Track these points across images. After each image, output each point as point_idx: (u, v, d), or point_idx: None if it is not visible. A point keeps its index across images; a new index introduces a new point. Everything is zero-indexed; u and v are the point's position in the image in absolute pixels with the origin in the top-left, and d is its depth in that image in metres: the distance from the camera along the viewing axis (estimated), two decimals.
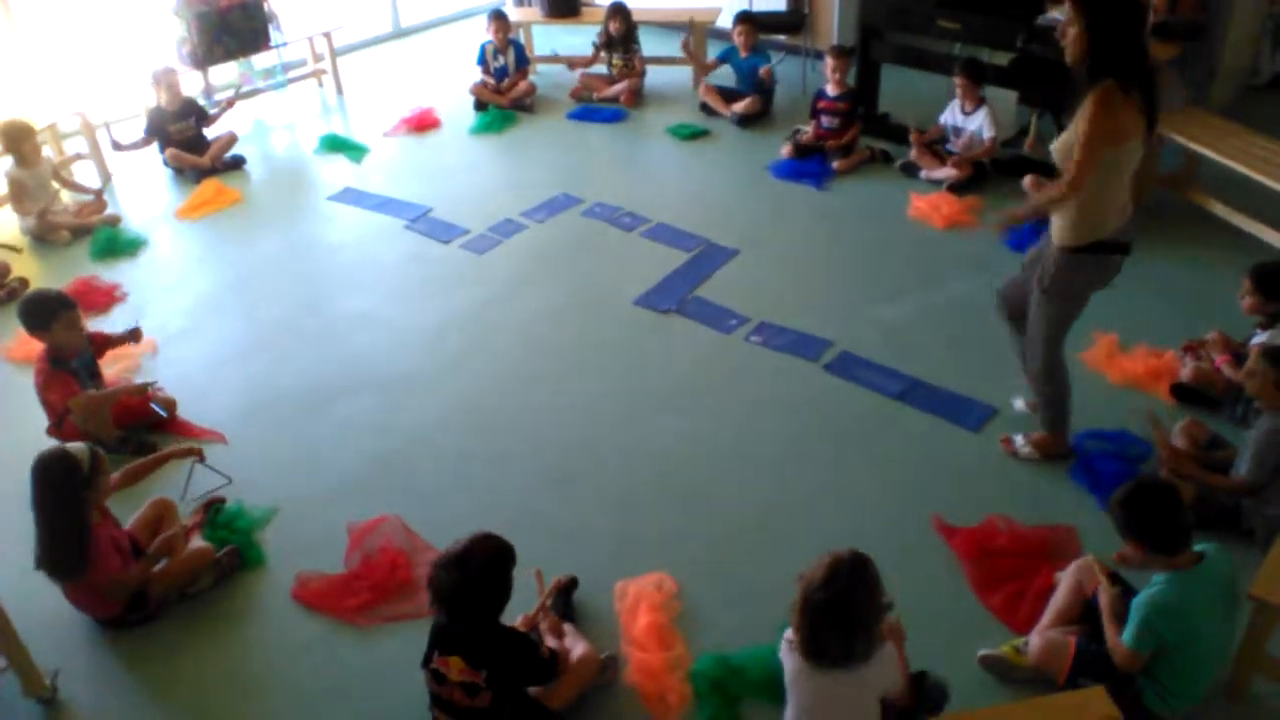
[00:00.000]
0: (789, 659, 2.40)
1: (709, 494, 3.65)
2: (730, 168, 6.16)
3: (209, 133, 6.44)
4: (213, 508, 3.57)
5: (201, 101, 6.61)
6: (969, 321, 4.41)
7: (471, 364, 4.45)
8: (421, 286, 5.08)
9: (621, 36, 7.06)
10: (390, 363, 4.48)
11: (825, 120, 6.12)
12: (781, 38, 7.69)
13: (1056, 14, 5.27)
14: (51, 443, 3.27)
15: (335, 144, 6.68)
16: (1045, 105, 5.50)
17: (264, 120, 7.25)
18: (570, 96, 7.23)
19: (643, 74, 7.22)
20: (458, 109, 7.14)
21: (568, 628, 2.95)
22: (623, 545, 3.42)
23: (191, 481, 3.67)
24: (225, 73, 7.12)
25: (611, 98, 7.13)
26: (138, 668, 3.08)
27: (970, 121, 5.64)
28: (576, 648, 2.84)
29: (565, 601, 3.12)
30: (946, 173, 5.62)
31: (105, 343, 4.18)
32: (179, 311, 4.93)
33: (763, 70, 6.56)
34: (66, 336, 3.86)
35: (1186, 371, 3.94)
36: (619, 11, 7.00)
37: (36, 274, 5.30)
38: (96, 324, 4.71)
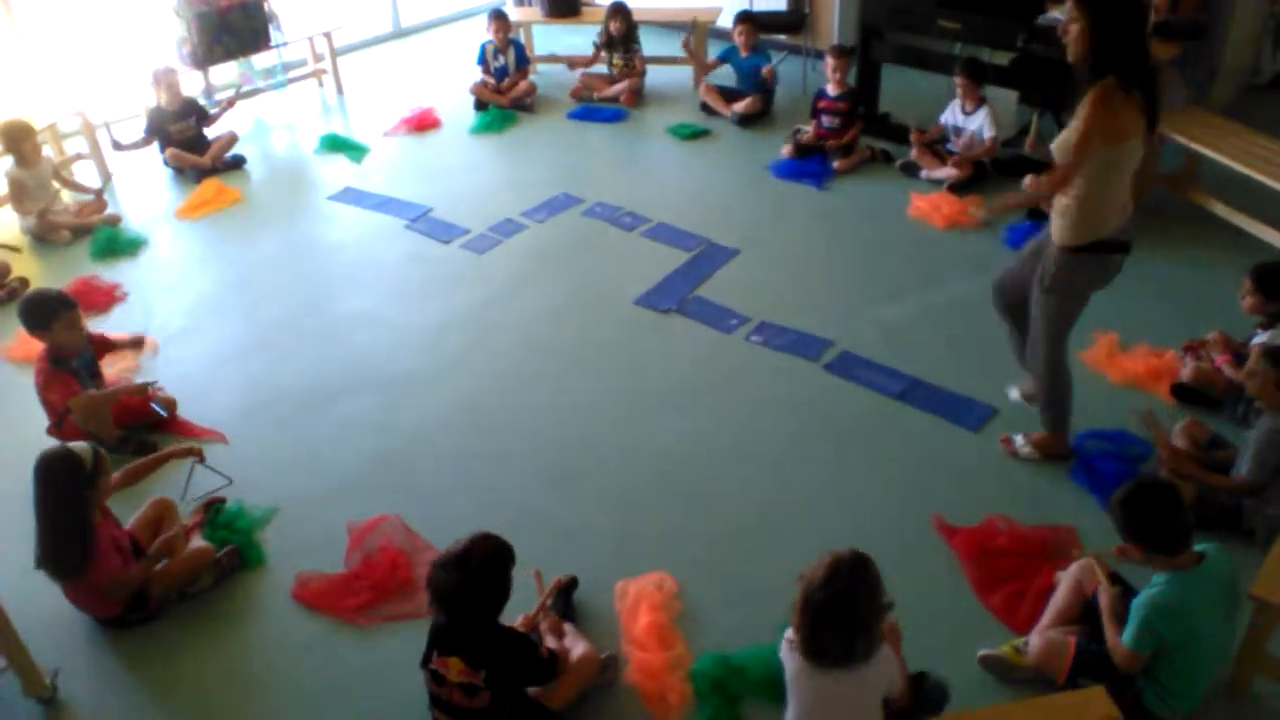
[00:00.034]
0: (790, 659, 2.40)
1: (709, 494, 3.65)
2: (731, 167, 6.16)
3: (209, 132, 6.44)
4: (213, 508, 3.57)
5: (202, 101, 6.61)
6: (969, 321, 4.40)
7: (472, 364, 4.45)
8: (422, 286, 5.08)
9: (622, 36, 7.06)
10: (390, 362, 4.48)
11: (826, 120, 6.12)
12: (782, 37, 7.69)
13: (1057, 14, 5.27)
14: (52, 443, 3.26)
15: (335, 144, 6.68)
16: (1046, 105, 5.50)
17: (264, 120, 7.25)
18: (570, 96, 7.23)
19: (643, 74, 7.22)
20: (458, 109, 7.14)
21: (568, 627, 2.95)
22: (623, 545, 3.42)
23: (192, 481, 3.67)
24: (225, 73, 7.12)
25: (612, 97, 7.13)
26: (138, 668, 3.08)
27: (971, 121, 5.64)
28: (577, 647, 2.84)
29: (565, 601, 3.12)
30: (947, 172, 5.62)
31: (107, 346, 4.18)
32: (179, 311, 4.93)
33: (765, 70, 6.56)
34: (67, 336, 3.86)
35: (1187, 371, 3.94)
36: (619, 11, 7.00)
37: (37, 274, 5.30)
38: (97, 324, 4.71)
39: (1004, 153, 5.77)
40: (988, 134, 5.56)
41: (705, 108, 6.83)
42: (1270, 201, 4.79)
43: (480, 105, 7.08)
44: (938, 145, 5.82)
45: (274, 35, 7.01)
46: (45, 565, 3.02)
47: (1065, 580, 2.92)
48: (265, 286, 5.15)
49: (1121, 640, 2.62)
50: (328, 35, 7.43)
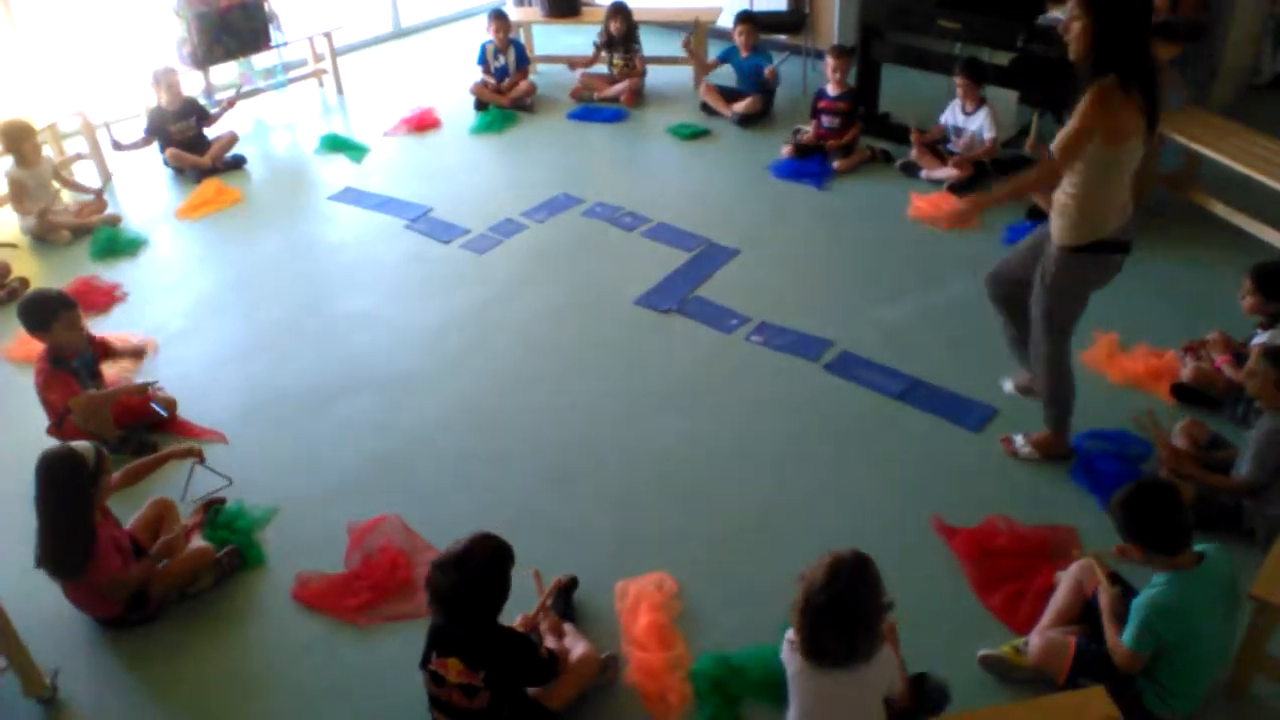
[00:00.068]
0: (791, 660, 2.39)
1: (709, 494, 3.65)
2: (731, 167, 6.16)
3: (209, 133, 6.44)
4: (212, 508, 3.57)
5: (202, 101, 6.61)
6: (969, 321, 4.40)
7: (472, 364, 4.45)
8: (422, 286, 5.08)
9: (622, 36, 7.06)
10: (390, 362, 4.48)
11: (826, 120, 6.12)
12: (782, 37, 7.68)
13: (1057, 14, 5.27)
14: (52, 443, 3.26)
15: (335, 144, 6.68)
16: (1046, 105, 5.50)
17: (264, 120, 7.25)
18: (571, 96, 7.23)
19: (643, 74, 7.22)
20: (458, 109, 7.14)
21: (568, 627, 2.95)
22: (623, 545, 3.42)
23: (191, 482, 3.67)
24: (225, 73, 7.12)
25: (612, 97, 7.13)
26: (138, 668, 3.08)
27: (971, 122, 5.64)
28: (577, 648, 2.84)
29: (565, 601, 3.12)
30: (947, 172, 5.62)
31: (108, 352, 4.16)
32: (179, 311, 4.94)
33: (768, 71, 6.56)
34: (67, 336, 3.86)
35: (1187, 371, 3.94)
36: (620, 11, 7.00)
37: (37, 274, 5.30)
38: (97, 324, 4.71)
39: (1004, 153, 5.77)
40: (988, 135, 5.56)
41: (705, 108, 6.83)
42: (1270, 202, 4.79)
43: (480, 105, 7.08)
44: (938, 145, 5.82)
45: (274, 35, 7.01)
46: (45, 565, 3.02)
47: (1065, 580, 2.92)
48: (265, 286, 5.15)
49: (1121, 640, 2.62)
50: (328, 35, 7.43)
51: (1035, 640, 2.82)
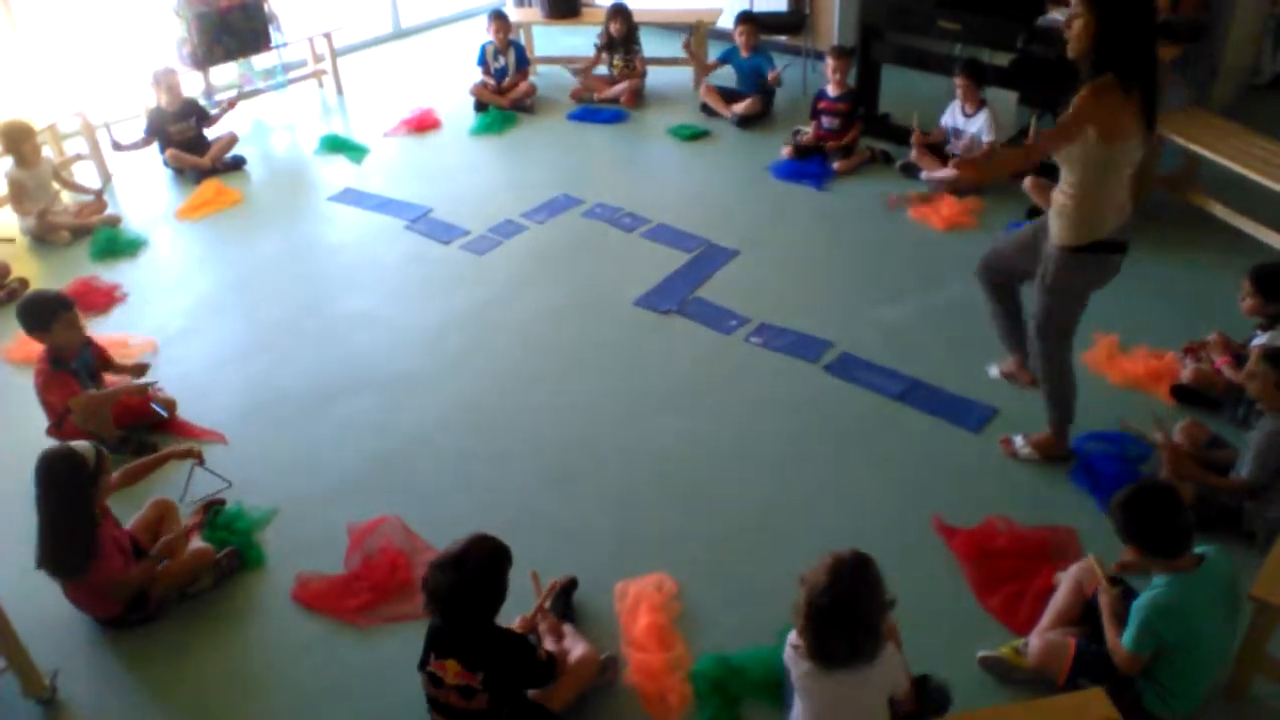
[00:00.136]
0: (795, 663, 2.39)
1: (709, 494, 3.65)
2: (731, 168, 6.16)
3: (209, 133, 6.44)
4: (212, 509, 3.57)
5: (202, 102, 6.61)
6: (969, 322, 4.40)
7: (472, 364, 4.45)
8: (422, 287, 5.08)
9: (622, 37, 7.06)
10: (390, 363, 4.48)
11: (826, 121, 6.12)
12: (782, 38, 7.69)
13: (1057, 14, 5.27)
14: (51, 443, 3.26)
15: (335, 144, 6.68)
16: (1045, 106, 5.50)
17: (264, 121, 7.26)
18: (570, 97, 7.23)
19: (643, 75, 7.22)
20: (458, 110, 7.14)
21: (567, 628, 2.95)
22: (623, 545, 3.42)
23: (191, 483, 3.67)
24: (225, 73, 7.12)
25: (612, 98, 7.13)
26: (138, 668, 3.08)
27: (971, 124, 5.64)
28: (576, 649, 2.84)
29: (565, 602, 3.11)
30: (947, 173, 5.61)
31: (108, 364, 4.14)
32: (179, 312, 4.93)
33: (771, 76, 6.56)
34: (66, 336, 3.86)
35: (1187, 373, 3.94)
36: (620, 12, 7.00)
37: (36, 274, 5.30)
38: (96, 324, 4.72)
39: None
40: (987, 137, 5.55)
41: (705, 109, 6.84)
42: (1270, 203, 4.79)
43: (480, 106, 7.08)
44: (938, 146, 5.82)
45: (274, 36, 7.01)
46: (46, 565, 3.02)
47: (1065, 581, 2.92)
48: (265, 287, 5.15)
49: (1121, 641, 2.62)
50: (328, 36, 7.43)
51: (1035, 641, 2.82)
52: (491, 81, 7.18)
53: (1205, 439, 3.55)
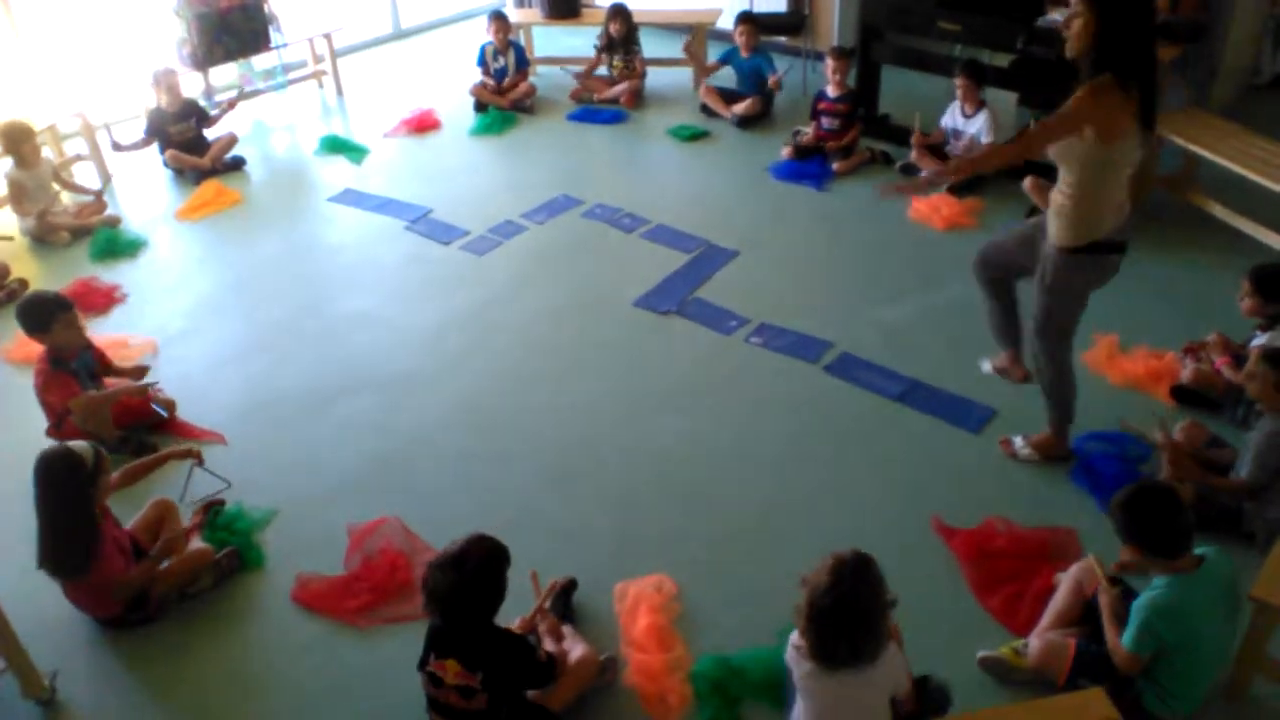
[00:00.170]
0: (798, 663, 2.39)
1: (709, 494, 3.65)
2: (730, 169, 6.16)
3: (209, 134, 6.44)
4: (212, 509, 3.57)
5: (202, 103, 6.61)
6: (969, 323, 4.39)
7: (472, 364, 4.46)
8: (422, 287, 5.08)
9: (622, 38, 7.06)
10: (390, 363, 4.48)
11: (825, 121, 6.12)
12: (782, 39, 7.69)
13: (1056, 15, 5.27)
14: (51, 444, 3.26)
15: (335, 145, 6.68)
16: (1045, 107, 5.49)
17: (264, 121, 7.26)
18: (570, 98, 7.23)
19: (643, 75, 7.22)
20: (458, 110, 7.14)
21: (567, 629, 2.95)
22: (623, 545, 3.42)
23: (191, 483, 3.67)
24: (225, 74, 7.12)
25: (612, 99, 7.13)
26: (138, 668, 3.08)
27: (971, 125, 5.64)
28: (576, 649, 2.84)
29: (565, 603, 3.11)
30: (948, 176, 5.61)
31: (108, 368, 4.14)
32: (179, 312, 4.93)
33: (771, 82, 6.57)
34: (66, 336, 3.86)
35: (1187, 373, 3.94)
36: (619, 13, 7.01)
37: (36, 275, 5.30)
38: (96, 325, 4.72)
39: None
40: (986, 138, 5.55)
41: (705, 109, 6.84)
42: (1269, 203, 4.79)
43: (480, 107, 7.08)
44: (938, 147, 5.82)
45: (274, 36, 7.01)
46: (46, 565, 3.02)
47: (1065, 581, 2.92)
48: (265, 288, 5.15)
49: (1121, 642, 2.62)
50: (328, 36, 7.43)
51: (1035, 642, 2.82)
52: (491, 82, 7.18)
53: (1205, 439, 3.55)
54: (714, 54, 7.03)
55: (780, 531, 3.45)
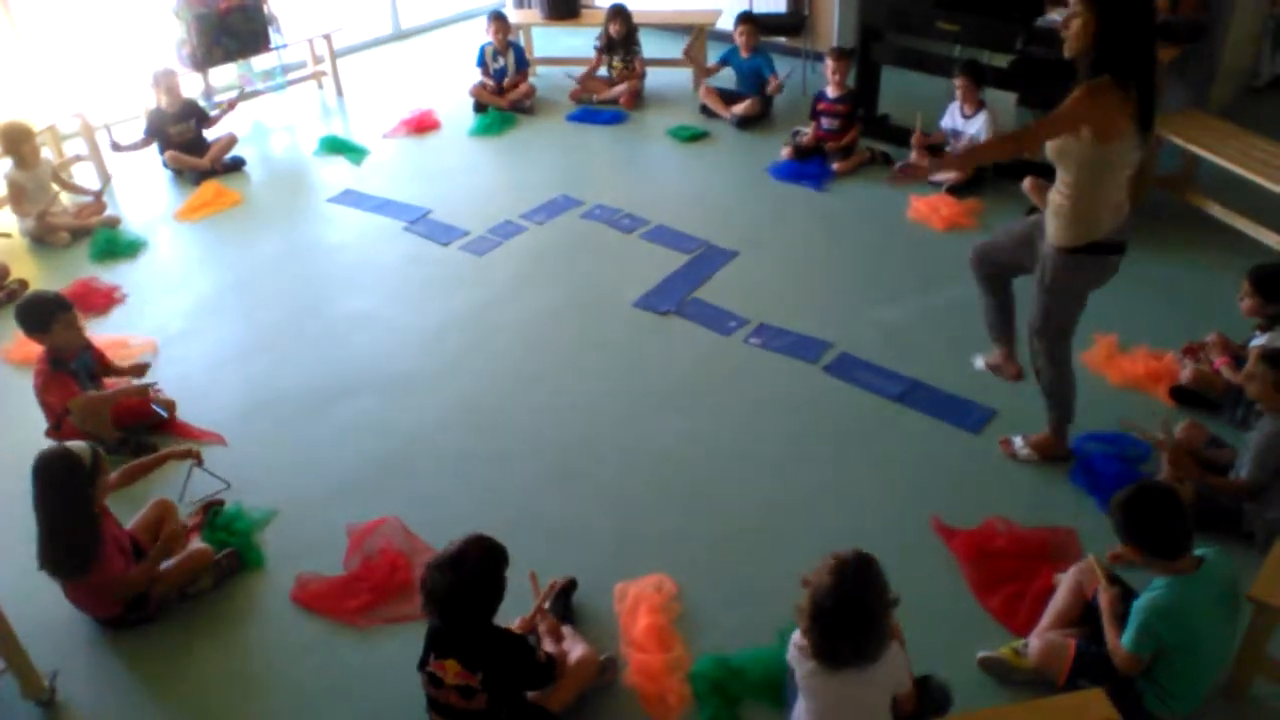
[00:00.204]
0: (799, 663, 2.39)
1: (709, 494, 3.65)
2: (730, 169, 6.16)
3: (209, 134, 6.44)
4: (211, 509, 3.57)
5: (201, 103, 6.61)
6: (968, 323, 4.39)
7: (471, 364, 4.46)
8: (421, 288, 5.08)
9: (622, 39, 7.06)
10: (390, 364, 4.48)
11: (825, 122, 6.12)
12: (782, 39, 7.69)
13: (1056, 15, 5.28)
14: (50, 444, 3.26)
15: (335, 146, 6.68)
16: (1045, 107, 5.49)
17: (264, 122, 7.26)
18: (570, 98, 7.23)
19: (643, 76, 7.22)
20: (457, 111, 7.14)
21: (566, 630, 2.95)
22: (623, 545, 3.42)
23: (190, 484, 3.66)
24: (225, 74, 7.12)
25: (611, 100, 7.13)
26: (138, 668, 3.08)
27: (970, 125, 5.64)
28: (575, 649, 2.83)
29: (565, 603, 3.11)
30: (946, 174, 5.62)
31: (108, 368, 4.14)
32: (179, 313, 4.93)
33: (771, 88, 6.57)
34: (65, 337, 3.86)
35: (1186, 374, 3.94)
36: (619, 14, 7.01)
37: (36, 275, 5.30)
38: (96, 326, 4.72)
39: None
40: (985, 139, 5.56)
41: (705, 110, 6.84)
42: (1269, 204, 4.79)
43: (479, 107, 7.08)
44: (938, 148, 5.82)
45: (274, 37, 7.01)
46: (47, 566, 3.02)
47: (1065, 582, 2.92)
48: (265, 288, 5.15)
49: (1121, 642, 2.62)
50: (327, 37, 7.43)
51: (1035, 642, 2.82)
52: (491, 82, 7.18)
53: (1204, 440, 3.55)
54: (714, 54, 7.03)
55: (780, 531, 3.45)
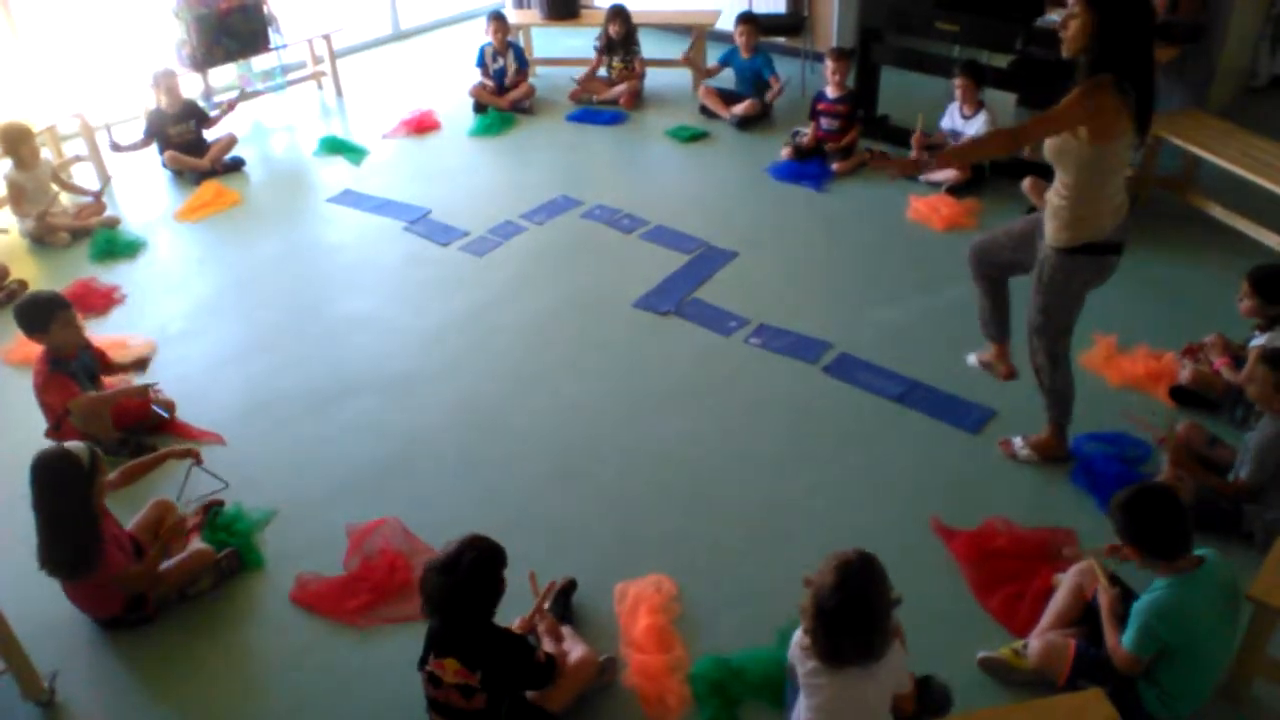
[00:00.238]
0: (803, 662, 2.39)
1: (709, 494, 3.65)
2: (729, 170, 6.16)
3: (208, 135, 6.44)
4: (211, 510, 3.56)
5: (201, 104, 6.61)
6: (968, 323, 4.38)
7: (471, 365, 4.46)
8: (421, 288, 5.08)
9: (621, 39, 7.07)
10: (390, 364, 4.48)
11: (825, 122, 6.13)
12: (781, 39, 7.69)
13: (1055, 15, 5.28)
14: (50, 444, 3.26)
15: (335, 146, 6.69)
16: (1044, 107, 5.49)
17: (263, 122, 7.26)
18: (569, 98, 7.24)
19: (642, 76, 7.22)
20: (457, 111, 7.15)
21: (566, 630, 2.95)
22: (623, 546, 3.42)
23: (189, 484, 3.66)
24: (225, 75, 7.13)
25: (611, 100, 7.13)
26: (138, 668, 3.08)
27: (970, 125, 5.64)
28: (575, 650, 2.84)
29: (564, 604, 3.11)
30: (946, 175, 5.62)
31: (108, 367, 4.14)
32: (178, 313, 4.93)
33: (770, 95, 6.57)
34: (64, 336, 3.85)
35: (1186, 374, 3.94)
36: (619, 14, 7.01)
37: (36, 276, 5.30)
38: (95, 326, 4.72)
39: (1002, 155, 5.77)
40: None
41: (704, 110, 6.84)
42: (1268, 204, 4.80)
43: (479, 107, 7.08)
44: (938, 148, 5.82)
45: (273, 37, 7.01)
46: (47, 566, 3.02)
47: (1065, 582, 2.92)
48: (265, 288, 5.15)
49: (1121, 643, 2.62)
50: (327, 38, 7.44)
51: (1035, 643, 2.82)
52: (490, 83, 7.18)
53: (1204, 440, 3.55)
54: (714, 54, 7.03)
55: (780, 531, 3.45)
